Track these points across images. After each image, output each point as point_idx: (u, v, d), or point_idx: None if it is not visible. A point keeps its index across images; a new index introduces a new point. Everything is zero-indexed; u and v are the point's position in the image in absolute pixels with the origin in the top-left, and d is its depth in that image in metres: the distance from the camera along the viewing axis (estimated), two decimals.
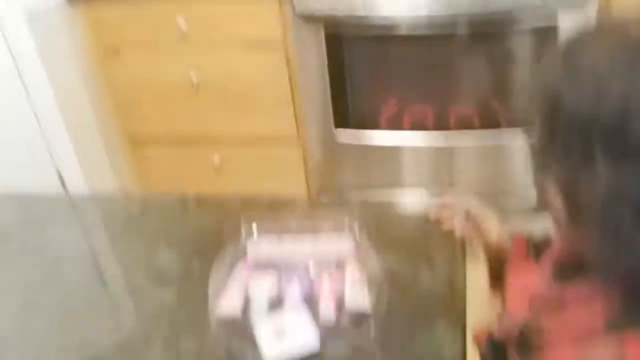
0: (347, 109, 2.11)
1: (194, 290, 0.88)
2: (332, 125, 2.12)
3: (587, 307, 0.65)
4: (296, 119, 2.20)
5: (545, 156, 0.61)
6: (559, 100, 0.58)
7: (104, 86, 2.27)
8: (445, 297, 0.83)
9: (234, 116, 2.22)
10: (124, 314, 0.87)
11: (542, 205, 0.64)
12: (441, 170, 2.14)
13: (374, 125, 2.13)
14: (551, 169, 0.60)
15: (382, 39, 1.97)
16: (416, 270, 0.87)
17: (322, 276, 0.83)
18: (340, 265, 0.85)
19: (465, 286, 0.84)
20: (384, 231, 0.93)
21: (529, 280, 0.74)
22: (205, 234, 1.00)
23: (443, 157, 2.12)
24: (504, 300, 0.79)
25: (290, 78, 2.11)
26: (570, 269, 0.67)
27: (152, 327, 0.83)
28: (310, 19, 1.92)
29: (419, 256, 0.89)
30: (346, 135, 2.14)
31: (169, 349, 0.79)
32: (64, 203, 1.16)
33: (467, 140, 2.04)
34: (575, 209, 0.60)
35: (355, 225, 0.90)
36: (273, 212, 1.01)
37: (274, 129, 2.23)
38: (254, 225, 0.91)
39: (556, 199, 0.61)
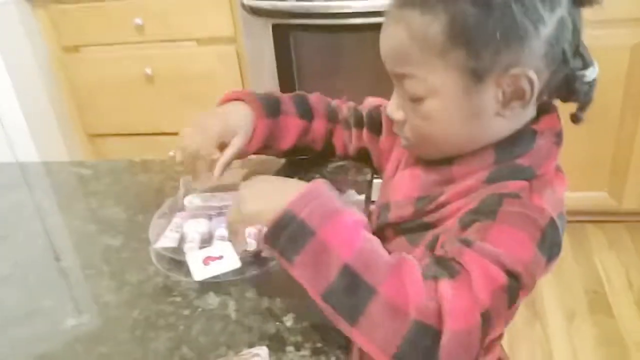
0: None
1: (138, 236, 0.97)
2: None
3: (471, 175, 0.78)
4: None
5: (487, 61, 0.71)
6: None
7: (62, 81, 2.33)
8: None
9: (188, 109, 2.28)
10: (76, 255, 0.94)
11: None
12: None
13: None
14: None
15: (329, 32, 2.03)
16: None
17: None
18: None
19: None
20: None
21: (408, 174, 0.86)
22: (149, 192, 1.10)
23: None
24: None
25: (241, 73, 2.19)
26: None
27: (100, 265, 0.92)
28: (257, 11, 1.98)
29: None
30: None
31: (115, 280, 0.88)
32: (15, 169, 1.23)
33: None
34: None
35: None
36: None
37: None
38: (190, 183, 1.01)
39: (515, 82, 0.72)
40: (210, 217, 0.94)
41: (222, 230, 0.91)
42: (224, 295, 0.83)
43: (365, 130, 1.04)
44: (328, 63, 2.15)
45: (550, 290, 2.11)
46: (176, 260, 0.88)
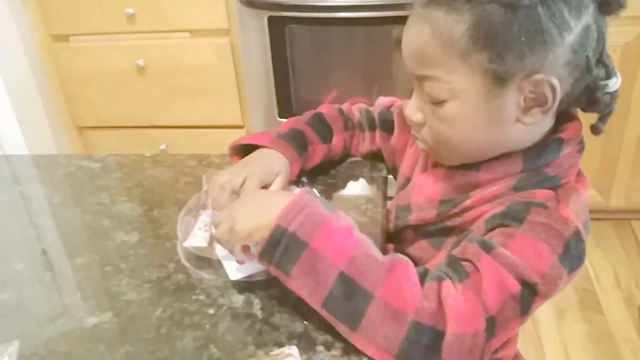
0: (290, 100, 2.15)
1: (154, 232, 0.96)
2: (276, 115, 2.17)
3: (498, 181, 0.78)
4: (241, 107, 2.26)
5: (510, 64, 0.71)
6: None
7: (51, 72, 2.28)
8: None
9: (180, 102, 2.26)
10: (91, 252, 0.93)
11: None
12: None
13: None
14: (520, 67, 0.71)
15: (324, 25, 2.01)
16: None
17: None
18: None
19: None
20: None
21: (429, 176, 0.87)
22: (162, 187, 1.08)
23: None
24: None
25: (235, 66, 2.17)
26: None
27: (118, 262, 0.90)
28: (253, 3, 1.96)
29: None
30: None
31: (135, 277, 0.87)
32: (18, 162, 1.21)
33: None
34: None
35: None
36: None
37: (219, 116, 2.28)
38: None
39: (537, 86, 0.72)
40: None
41: None
42: (248, 293, 0.82)
43: (377, 132, 1.05)
44: (323, 56, 2.14)
45: None
46: (204, 259, 0.87)
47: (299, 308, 0.79)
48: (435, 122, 0.78)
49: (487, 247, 0.71)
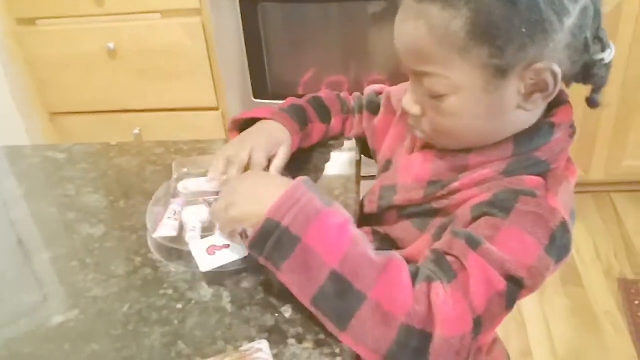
0: (265, 80, 2.12)
1: (121, 224, 0.93)
2: (251, 96, 2.14)
3: (488, 164, 0.77)
4: (216, 89, 2.22)
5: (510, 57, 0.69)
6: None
7: (19, 57, 2.23)
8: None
9: (153, 85, 2.22)
10: (55, 247, 0.90)
11: None
12: None
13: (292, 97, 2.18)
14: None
15: (298, 2, 1.98)
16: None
17: None
18: None
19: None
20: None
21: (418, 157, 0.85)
22: (129, 177, 1.05)
23: None
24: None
25: (208, 47, 2.13)
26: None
27: (84, 256, 0.87)
28: None
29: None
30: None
31: (101, 273, 0.84)
32: None
33: None
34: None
35: None
36: (199, 154, 1.07)
37: (194, 99, 2.24)
38: (184, 168, 0.98)
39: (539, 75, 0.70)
40: (209, 204, 0.90)
41: None
42: (217, 287, 0.80)
43: (364, 113, 1.05)
44: (297, 34, 2.10)
45: None
46: (174, 250, 0.84)
47: (270, 301, 0.77)
48: (436, 115, 0.77)
49: (474, 244, 0.69)
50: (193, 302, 0.78)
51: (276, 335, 0.73)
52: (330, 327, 0.70)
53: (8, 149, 1.16)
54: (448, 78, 0.72)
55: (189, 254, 0.82)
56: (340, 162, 1.04)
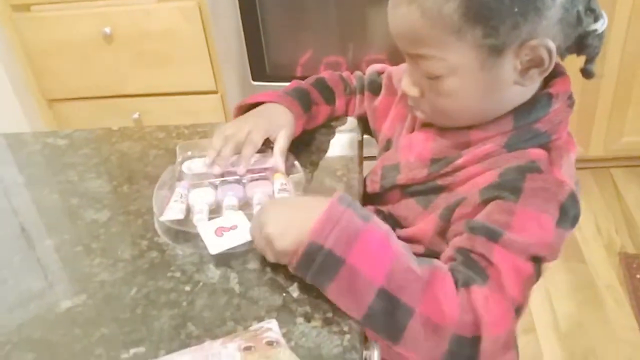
0: (263, 62, 2.11)
1: (125, 209, 0.93)
2: (250, 78, 2.13)
3: (489, 139, 0.78)
4: (214, 72, 2.21)
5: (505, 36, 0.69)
6: None
7: (15, 43, 2.21)
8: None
9: (151, 69, 2.21)
10: (60, 232, 0.90)
11: None
12: None
13: (291, 78, 2.15)
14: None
15: None
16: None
17: (254, 188, 0.90)
18: (268, 178, 0.92)
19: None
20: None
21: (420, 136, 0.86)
22: (132, 161, 1.04)
23: None
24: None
25: (205, 29, 2.12)
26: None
27: (89, 241, 0.87)
28: None
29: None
30: (264, 89, 2.16)
31: (107, 257, 0.84)
32: None
33: None
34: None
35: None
36: (200, 137, 1.07)
37: (192, 82, 2.24)
38: (188, 151, 0.97)
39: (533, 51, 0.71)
40: (215, 186, 0.90)
41: (230, 199, 0.88)
42: (225, 268, 0.80)
43: (365, 93, 1.05)
44: (294, 16, 2.09)
45: None
46: (182, 233, 0.84)
47: (277, 280, 0.77)
48: (434, 95, 0.77)
49: (495, 237, 0.70)
50: (201, 284, 0.79)
51: (285, 315, 0.73)
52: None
53: (8, 136, 1.16)
54: (444, 59, 0.72)
55: (196, 236, 0.82)
56: (342, 142, 1.03)
